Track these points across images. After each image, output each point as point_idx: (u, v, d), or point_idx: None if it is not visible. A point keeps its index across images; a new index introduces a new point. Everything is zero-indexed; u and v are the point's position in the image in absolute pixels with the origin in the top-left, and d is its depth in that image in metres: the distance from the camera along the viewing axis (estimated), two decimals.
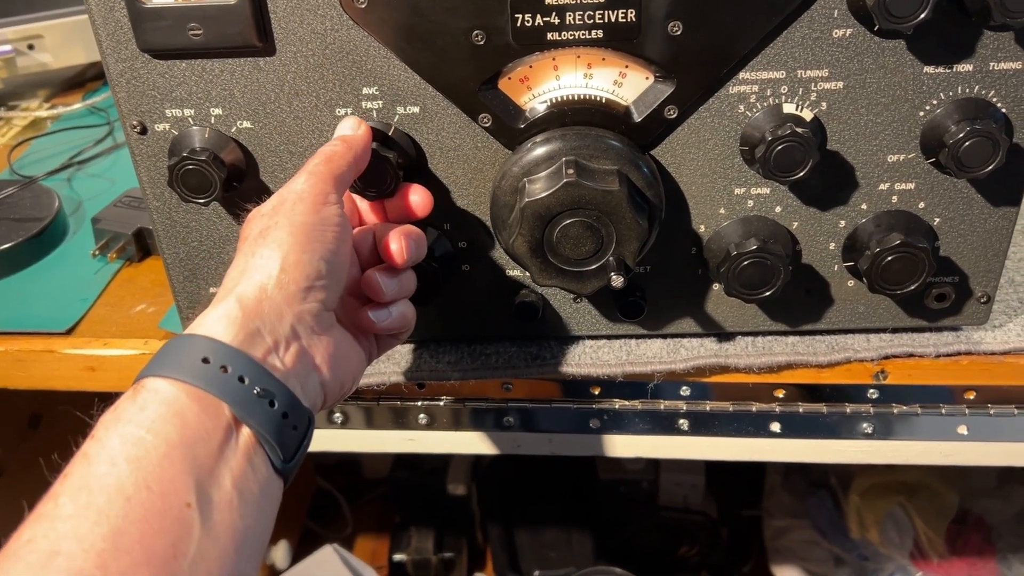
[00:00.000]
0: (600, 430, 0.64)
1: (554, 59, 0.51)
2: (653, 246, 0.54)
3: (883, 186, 0.54)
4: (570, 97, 0.51)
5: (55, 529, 0.34)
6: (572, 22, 0.49)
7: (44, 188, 0.79)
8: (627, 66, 0.51)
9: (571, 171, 0.49)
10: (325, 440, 0.66)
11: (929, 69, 0.50)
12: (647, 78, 0.51)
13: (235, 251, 0.45)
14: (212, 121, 0.52)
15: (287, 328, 0.42)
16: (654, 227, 0.52)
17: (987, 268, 0.57)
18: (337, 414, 0.65)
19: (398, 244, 0.49)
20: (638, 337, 0.61)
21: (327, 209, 0.45)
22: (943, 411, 0.61)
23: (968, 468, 1.06)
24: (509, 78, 0.51)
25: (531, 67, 0.51)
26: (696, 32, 0.49)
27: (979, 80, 0.50)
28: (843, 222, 0.55)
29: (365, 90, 0.51)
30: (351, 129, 0.50)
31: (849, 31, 0.49)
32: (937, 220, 0.55)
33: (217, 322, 0.41)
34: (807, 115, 0.51)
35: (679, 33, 0.49)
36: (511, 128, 0.52)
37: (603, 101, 0.52)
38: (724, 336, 0.61)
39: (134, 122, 0.53)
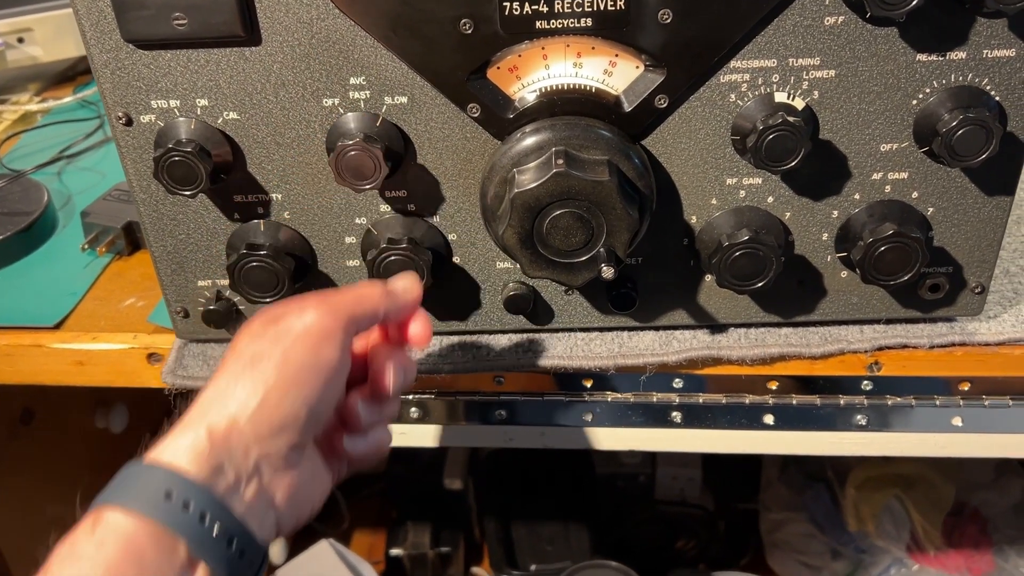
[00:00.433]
0: (593, 423, 0.63)
1: (543, 48, 0.50)
2: (644, 237, 0.53)
3: (876, 175, 0.53)
4: (560, 87, 0.51)
5: None
6: (561, 10, 0.48)
7: (33, 182, 0.78)
8: (617, 55, 0.50)
9: (561, 161, 0.48)
10: None
11: (922, 57, 0.50)
12: (637, 67, 0.51)
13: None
14: (198, 112, 0.52)
15: (251, 465, 0.41)
16: (645, 218, 0.51)
17: (981, 258, 0.56)
18: None
19: (391, 375, 0.47)
20: (630, 329, 0.61)
21: (327, 350, 0.43)
22: (937, 402, 0.61)
23: (964, 460, 1.06)
24: (498, 67, 0.51)
25: (520, 56, 0.50)
26: (686, 20, 0.48)
27: (972, 68, 0.50)
28: (836, 212, 0.55)
29: (352, 80, 0.51)
30: (407, 285, 0.48)
31: (841, 18, 0.48)
32: (931, 210, 0.55)
33: (184, 452, 0.40)
34: (799, 104, 0.51)
35: (669, 21, 0.48)
36: (500, 118, 0.51)
37: (593, 90, 0.51)
38: (717, 328, 0.60)
39: (119, 113, 0.52)
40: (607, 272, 0.50)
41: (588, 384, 0.62)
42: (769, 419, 0.62)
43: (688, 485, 1.20)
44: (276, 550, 1.14)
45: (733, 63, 0.50)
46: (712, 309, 0.59)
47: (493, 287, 0.58)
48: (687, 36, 0.49)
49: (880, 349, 0.59)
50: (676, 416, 0.63)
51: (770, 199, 0.54)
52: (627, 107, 0.51)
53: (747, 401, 0.62)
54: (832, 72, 0.50)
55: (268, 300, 0.55)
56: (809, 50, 0.49)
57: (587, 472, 1.20)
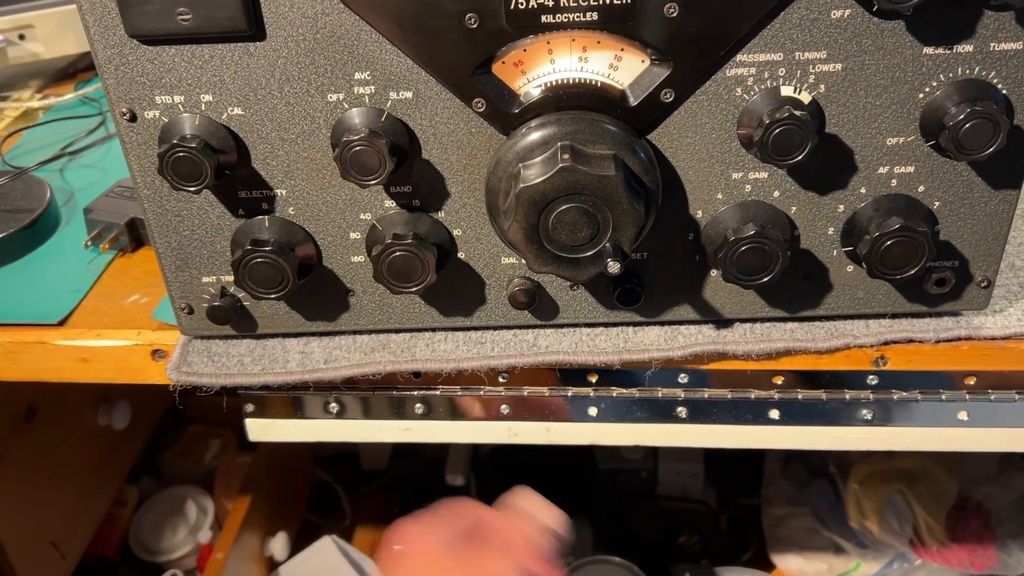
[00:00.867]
0: (597, 418, 0.63)
1: (548, 42, 0.50)
2: (650, 232, 0.53)
3: (882, 169, 0.53)
4: (565, 81, 0.51)
5: None
6: (566, 4, 0.48)
7: (36, 179, 0.78)
8: (623, 49, 0.50)
9: (566, 156, 0.48)
10: (322, 430, 0.66)
11: (928, 50, 0.49)
12: (643, 61, 0.51)
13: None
14: (202, 108, 0.52)
15: None
16: (651, 212, 0.51)
17: (987, 252, 0.56)
18: (333, 404, 0.64)
19: None
20: (635, 324, 0.61)
21: None
22: (943, 397, 0.61)
23: (967, 454, 1.06)
24: (503, 62, 0.51)
25: (525, 51, 0.50)
26: (692, 14, 0.48)
27: (979, 61, 0.50)
28: (842, 206, 0.55)
29: (357, 75, 0.51)
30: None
31: (847, 12, 0.48)
32: (937, 204, 0.54)
33: None
34: (805, 98, 0.51)
35: (675, 15, 0.48)
36: (505, 113, 0.51)
37: (598, 85, 0.51)
38: (722, 323, 0.60)
39: (123, 109, 0.52)
40: (613, 267, 0.50)
41: (593, 379, 0.62)
42: (774, 414, 0.62)
43: (691, 480, 1.21)
44: (279, 546, 1.14)
45: (739, 57, 0.50)
46: (717, 304, 0.59)
47: (498, 283, 0.58)
48: (693, 30, 0.48)
49: (886, 344, 0.59)
50: (681, 411, 0.63)
51: (776, 193, 0.54)
52: (633, 101, 0.51)
53: (752, 396, 0.62)
54: (839, 66, 0.50)
55: (273, 296, 0.55)
56: (815, 44, 0.49)
57: (589, 468, 1.20)
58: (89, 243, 0.70)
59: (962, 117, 0.48)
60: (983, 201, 0.54)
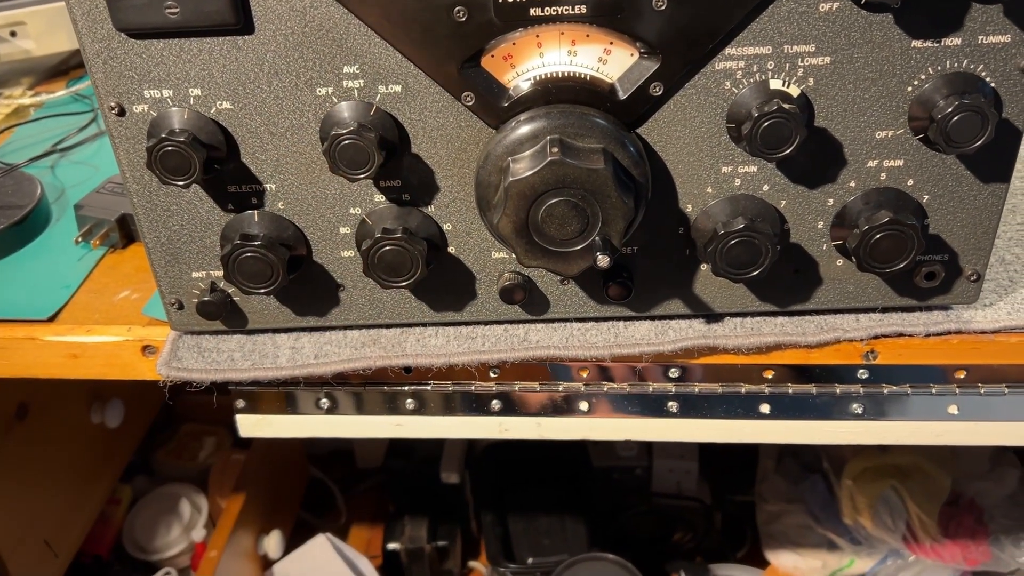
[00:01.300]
0: (588, 413, 0.63)
1: (537, 36, 0.50)
2: (639, 226, 0.53)
3: (871, 163, 0.53)
4: (554, 75, 0.51)
5: None
6: None
7: (26, 175, 0.78)
8: (612, 42, 0.50)
9: (556, 149, 0.48)
10: (313, 426, 0.66)
11: (917, 43, 0.49)
12: (632, 55, 0.51)
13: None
14: (191, 102, 0.52)
15: None
16: (640, 206, 0.51)
17: (977, 246, 0.56)
18: (324, 399, 0.64)
19: None
20: (626, 319, 0.61)
21: None
22: (933, 391, 0.61)
23: (960, 450, 1.06)
24: (492, 56, 0.50)
25: (514, 44, 0.50)
26: (681, 7, 0.48)
27: (968, 54, 0.50)
28: (831, 200, 0.55)
29: (346, 68, 0.51)
30: None
31: (835, 5, 0.48)
32: (926, 197, 0.54)
33: None
34: (794, 91, 0.51)
35: (664, 8, 0.48)
36: (495, 106, 0.51)
37: (588, 78, 0.51)
38: (712, 317, 0.60)
39: (112, 103, 0.52)
40: (602, 261, 0.50)
41: (584, 374, 0.62)
42: (765, 408, 0.62)
43: (685, 477, 1.21)
44: (273, 544, 1.14)
45: (728, 50, 0.50)
46: (708, 298, 0.59)
47: (488, 277, 0.58)
48: (682, 23, 0.48)
49: (876, 337, 0.59)
50: (672, 406, 0.63)
51: (765, 187, 0.54)
52: (622, 95, 0.51)
53: (743, 390, 0.62)
54: (827, 59, 0.50)
55: (262, 291, 0.55)
56: (804, 37, 0.49)
57: (584, 465, 1.20)
58: (80, 239, 0.70)
59: (951, 110, 0.49)
60: (972, 194, 0.54)
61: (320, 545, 1.12)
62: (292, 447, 1.28)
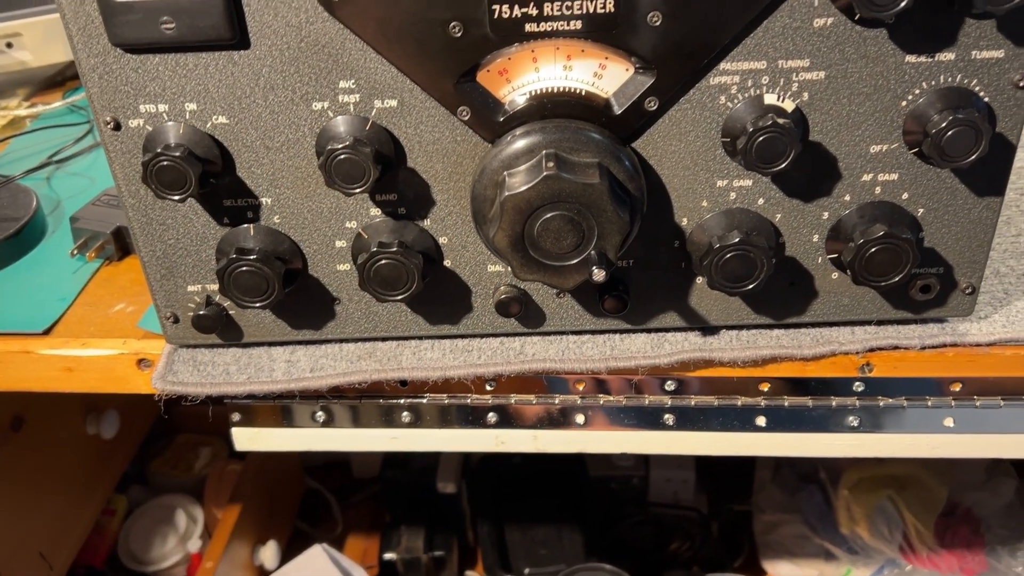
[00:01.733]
0: (585, 426, 0.63)
1: (533, 51, 0.50)
2: (635, 240, 0.53)
3: (866, 177, 0.53)
4: (550, 89, 0.51)
5: None
6: (550, 13, 0.48)
7: (22, 187, 0.78)
8: (607, 57, 0.50)
9: (551, 164, 0.48)
10: (308, 439, 0.66)
11: (911, 58, 0.50)
12: (627, 70, 0.51)
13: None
14: (187, 116, 0.52)
15: None
16: (636, 220, 0.51)
17: (972, 259, 0.56)
18: (320, 413, 0.64)
19: None
20: (622, 332, 0.61)
21: None
22: (929, 403, 0.61)
23: (956, 461, 1.06)
24: (488, 70, 0.51)
25: (510, 59, 0.50)
26: (676, 22, 0.48)
27: (961, 69, 0.50)
28: (826, 214, 0.55)
29: (342, 83, 0.51)
30: None
31: (830, 20, 0.49)
32: (921, 211, 0.55)
33: None
34: (789, 106, 0.51)
35: (659, 23, 0.48)
36: (490, 121, 0.51)
37: (583, 93, 0.51)
38: (708, 330, 0.60)
39: (107, 118, 0.52)
40: (598, 275, 0.50)
41: (580, 387, 0.62)
42: (761, 421, 0.62)
43: (681, 487, 1.21)
44: (269, 554, 1.14)
45: (723, 65, 0.50)
46: (703, 311, 0.59)
47: (484, 290, 0.58)
48: (677, 38, 0.49)
49: (871, 350, 0.59)
50: (668, 418, 0.63)
51: (761, 201, 0.54)
52: (617, 109, 0.51)
53: (739, 403, 0.62)
54: (822, 74, 0.50)
55: (258, 304, 0.55)
56: (799, 52, 0.49)
57: (580, 475, 1.20)
58: (75, 252, 0.70)
59: (945, 124, 0.49)
60: (967, 208, 0.54)
61: (316, 555, 1.12)
62: (288, 457, 1.28)
